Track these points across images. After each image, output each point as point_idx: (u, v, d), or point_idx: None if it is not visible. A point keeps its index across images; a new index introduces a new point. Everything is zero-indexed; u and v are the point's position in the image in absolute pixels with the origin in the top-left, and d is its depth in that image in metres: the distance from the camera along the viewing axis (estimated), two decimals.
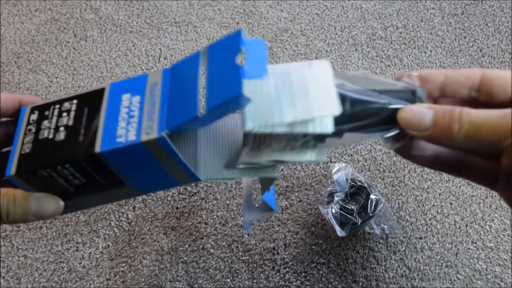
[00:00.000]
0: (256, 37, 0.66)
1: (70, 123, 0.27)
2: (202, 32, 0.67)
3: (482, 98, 0.28)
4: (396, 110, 0.27)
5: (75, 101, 0.28)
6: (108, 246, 0.52)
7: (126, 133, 0.26)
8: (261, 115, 0.25)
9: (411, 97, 0.27)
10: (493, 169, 0.29)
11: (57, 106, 0.29)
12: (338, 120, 0.26)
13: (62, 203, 0.29)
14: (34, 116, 0.29)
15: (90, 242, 0.52)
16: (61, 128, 0.27)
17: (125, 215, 0.53)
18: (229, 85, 0.23)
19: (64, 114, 0.28)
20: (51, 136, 0.27)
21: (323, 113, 0.25)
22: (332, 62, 0.64)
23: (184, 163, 0.27)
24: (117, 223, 0.53)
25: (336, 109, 0.25)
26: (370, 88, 0.28)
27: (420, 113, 0.26)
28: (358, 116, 0.27)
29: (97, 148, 0.25)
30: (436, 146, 0.30)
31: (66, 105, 0.28)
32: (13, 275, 0.51)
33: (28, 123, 0.29)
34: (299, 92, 0.26)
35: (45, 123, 0.28)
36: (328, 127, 0.26)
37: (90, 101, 0.28)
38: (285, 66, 0.27)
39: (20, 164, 0.27)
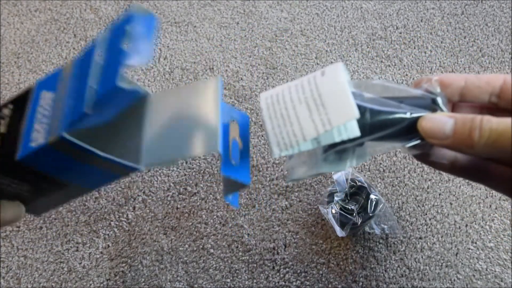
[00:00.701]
0: (256, 37, 0.66)
1: (2, 130, 0.26)
2: (202, 32, 0.67)
3: (502, 104, 0.28)
4: (416, 119, 0.27)
5: (10, 106, 0.27)
6: (108, 246, 0.52)
7: (38, 135, 0.24)
8: (284, 137, 0.26)
9: (431, 105, 0.27)
10: None
11: None
12: (360, 129, 0.26)
13: (23, 207, 0.29)
14: None
15: (90, 242, 0.52)
16: None
17: (125, 215, 0.53)
18: (107, 75, 0.22)
19: (1, 121, 0.27)
20: None
21: (341, 121, 0.25)
22: (332, 62, 0.64)
23: (106, 156, 0.25)
24: (117, 223, 0.53)
25: (354, 113, 0.25)
26: (389, 96, 0.27)
27: (441, 121, 0.26)
28: (378, 126, 0.27)
29: (16, 155, 0.24)
30: (455, 153, 0.30)
31: (5, 111, 0.27)
32: (13, 275, 0.51)
33: None
34: (315, 106, 0.26)
35: None
36: (354, 131, 0.25)
37: (20, 104, 0.27)
38: (300, 81, 0.27)
39: None
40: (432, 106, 0.27)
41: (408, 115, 0.27)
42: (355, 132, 0.25)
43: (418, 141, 0.27)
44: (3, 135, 0.26)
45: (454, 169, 0.31)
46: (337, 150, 0.27)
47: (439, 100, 0.27)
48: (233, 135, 0.30)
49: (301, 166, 0.28)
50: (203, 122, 0.27)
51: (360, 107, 0.26)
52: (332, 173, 0.49)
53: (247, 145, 0.30)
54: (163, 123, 0.29)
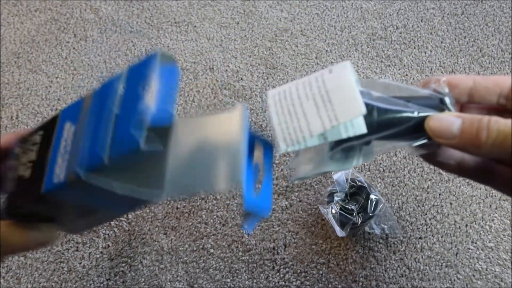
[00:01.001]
0: (256, 37, 0.66)
1: (33, 157, 0.26)
2: (202, 32, 0.67)
3: (511, 106, 0.28)
4: (424, 118, 0.27)
5: (40, 132, 0.27)
6: (108, 246, 0.52)
7: (59, 171, 0.24)
8: (291, 133, 0.26)
9: (439, 104, 0.27)
10: None
11: (30, 138, 0.28)
12: (367, 127, 0.26)
13: (55, 232, 0.29)
14: (17, 150, 0.28)
15: (90, 242, 0.52)
16: (29, 164, 0.27)
17: (125, 215, 0.53)
18: (129, 132, 0.21)
19: (33, 147, 0.27)
20: (22, 173, 0.27)
21: (348, 117, 0.25)
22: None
23: (125, 194, 0.25)
24: (117, 223, 0.53)
25: (361, 109, 0.25)
26: (396, 95, 0.27)
27: (448, 121, 0.26)
28: (385, 125, 0.27)
29: (42, 188, 0.24)
30: (461, 154, 0.30)
31: (36, 137, 0.27)
32: (13, 275, 0.51)
33: (12, 158, 0.28)
34: (322, 102, 0.26)
35: (22, 158, 0.27)
36: (361, 128, 0.25)
37: (47, 132, 0.27)
38: (307, 78, 0.27)
39: (9, 204, 0.27)
40: (440, 106, 0.27)
41: (415, 114, 0.27)
42: (362, 129, 0.25)
43: (425, 141, 0.27)
44: (34, 162, 0.27)
45: (461, 170, 0.31)
46: (344, 148, 0.27)
47: (447, 100, 0.27)
48: (256, 161, 0.29)
49: (307, 164, 0.28)
50: (226, 155, 0.26)
51: (367, 105, 0.26)
52: (332, 173, 0.49)
53: (270, 173, 0.29)
54: (187, 153, 0.28)
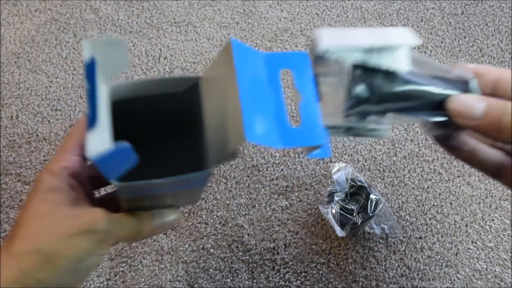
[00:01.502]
0: (256, 37, 0.66)
1: None
2: (202, 32, 0.67)
3: None
4: (446, 96, 0.27)
5: None
6: None
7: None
8: (337, 37, 0.26)
9: (465, 87, 0.27)
10: None
11: None
12: (384, 98, 0.26)
13: (178, 210, 0.33)
14: None
15: None
16: None
17: None
18: (315, 131, 0.24)
19: None
20: None
21: (401, 41, 0.25)
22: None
23: (169, 180, 0.26)
24: None
25: (414, 40, 0.25)
26: (424, 71, 0.27)
27: (472, 102, 0.26)
28: (407, 96, 0.26)
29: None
30: (475, 143, 0.30)
31: None
32: None
33: None
34: (376, 33, 0.26)
35: None
36: (402, 63, 0.25)
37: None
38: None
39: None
40: (465, 88, 0.27)
41: (439, 91, 0.27)
42: (403, 65, 0.26)
43: (443, 118, 0.27)
44: None
45: (471, 159, 0.31)
46: (360, 112, 0.27)
47: (473, 82, 0.27)
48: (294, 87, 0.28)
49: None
50: (230, 109, 0.26)
51: (393, 73, 0.26)
52: (332, 172, 0.49)
53: (312, 91, 0.27)
54: (212, 118, 0.28)
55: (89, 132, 0.24)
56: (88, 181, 0.33)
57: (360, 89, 0.26)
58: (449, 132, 0.29)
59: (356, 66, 0.26)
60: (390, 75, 0.26)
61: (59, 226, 0.28)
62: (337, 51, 0.26)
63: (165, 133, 0.33)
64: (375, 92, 0.26)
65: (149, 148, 0.32)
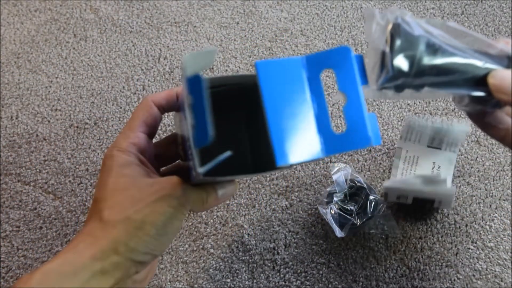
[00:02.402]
0: (256, 37, 0.66)
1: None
2: (202, 32, 0.67)
3: None
4: (487, 71, 0.26)
5: None
6: None
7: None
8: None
9: (507, 62, 0.26)
10: None
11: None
12: (426, 71, 0.25)
13: (236, 182, 0.35)
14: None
15: None
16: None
17: None
18: (362, 133, 0.24)
19: None
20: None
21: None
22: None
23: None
24: None
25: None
26: (464, 43, 0.26)
27: None
28: (448, 70, 0.26)
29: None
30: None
31: None
32: (13, 275, 0.51)
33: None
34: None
35: None
36: None
37: None
38: None
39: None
40: (507, 64, 0.26)
41: (481, 65, 0.26)
42: None
43: (482, 94, 0.26)
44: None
45: (507, 138, 0.30)
46: (396, 85, 0.26)
47: None
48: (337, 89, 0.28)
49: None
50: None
51: (433, 44, 0.25)
52: (332, 173, 0.49)
53: (356, 92, 0.26)
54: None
55: (200, 149, 0.25)
56: (155, 158, 0.34)
57: (400, 61, 0.25)
58: (485, 109, 0.28)
59: (395, 36, 0.25)
60: (431, 47, 0.25)
61: (142, 194, 0.30)
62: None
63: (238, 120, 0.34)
64: (415, 65, 0.25)
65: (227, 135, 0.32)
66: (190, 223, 0.53)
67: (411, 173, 0.50)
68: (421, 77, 0.26)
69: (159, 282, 0.50)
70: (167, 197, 0.30)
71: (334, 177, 0.49)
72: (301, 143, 0.24)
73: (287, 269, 0.50)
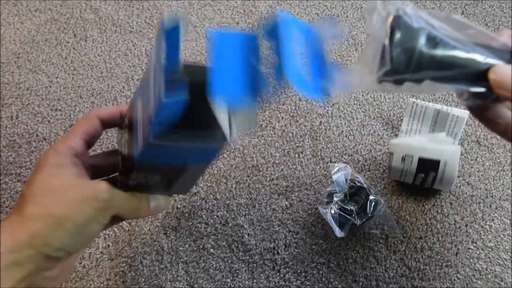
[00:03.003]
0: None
1: (127, 137, 0.35)
2: (202, 32, 0.67)
3: None
4: (488, 66, 0.25)
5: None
6: (108, 246, 0.52)
7: (139, 140, 0.30)
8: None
9: (509, 57, 0.26)
10: None
11: (124, 120, 0.36)
12: (426, 64, 0.25)
13: (169, 197, 0.38)
14: (118, 133, 0.38)
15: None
16: (125, 144, 0.35)
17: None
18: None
19: (125, 129, 0.36)
20: (123, 152, 0.35)
21: None
22: (331, 62, 0.64)
23: (194, 146, 0.29)
24: None
25: None
26: (466, 36, 0.26)
27: None
28: (448, 64, 0.25)
29: (134, 159, 0.31)
30: None
31: (126, 121, 0.37)
32: None
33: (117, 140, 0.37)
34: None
35: (121, 140, 0.37)
36: None
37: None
38: None
39: (120, 181, 0.37)
40: (509, 59, 0.26)
41: (482, 60, 0.25)
42: None
43: (482, 89, 0.26)
44: (127, 141, 0.32)
45: (507, 132, 0.29)
46: (396, 79, 0.26)
47: None
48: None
49: (357, 78, 0.27)
50: None
51: (435, 38, 0.24)
52: (332, 173, 0.49)
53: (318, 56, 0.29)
54: None
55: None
56: (90, 167, 0.36)
57: (399, 54, 0.25)
58: (486, 103, 0.28)
59: (395, 28, 0.25)
60: (432, 40, 0.25)
61: (68, 194, 0.31)
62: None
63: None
64: (415, 59, 0.25)
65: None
66: (190, 223, 0.53)
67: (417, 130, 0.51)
68: (420, 71, 0.25)
69: (159, 282, 0.50)
70: (92, 198, 0.31)
71: (334, 177, 0.49)
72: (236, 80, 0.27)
73: (287, 269, 0.50)
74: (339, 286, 0.49)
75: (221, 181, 0.55)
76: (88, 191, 0.32)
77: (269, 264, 0.50)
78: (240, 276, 0.50)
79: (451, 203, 0.52)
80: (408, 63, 0.25)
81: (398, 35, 0.25)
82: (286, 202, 0.53)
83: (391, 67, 0.25)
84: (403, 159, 0.48)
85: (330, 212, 0.48)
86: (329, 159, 0.56)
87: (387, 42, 0.25)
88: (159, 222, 0.53)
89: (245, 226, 0.52)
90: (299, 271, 0.50)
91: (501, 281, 0.48)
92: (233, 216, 0.53)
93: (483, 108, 0.29)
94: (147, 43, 0.66)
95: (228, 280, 0.50)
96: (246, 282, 0.50)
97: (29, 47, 0.67)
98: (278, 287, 0.49)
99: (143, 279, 0.50)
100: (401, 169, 0.49)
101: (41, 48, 0.67)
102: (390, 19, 0.25)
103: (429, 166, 0.47)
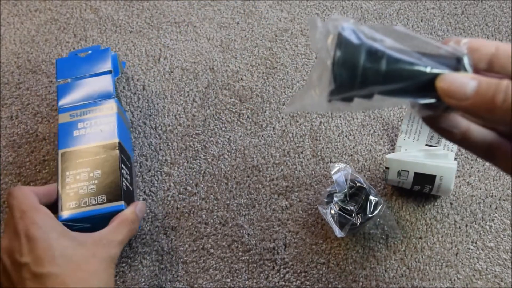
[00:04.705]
0: (256, 37, 0.66)
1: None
2: (202, 32, 0.67)
3: None
4: (436, 75, 0.25)
5: None
6: None
7: None
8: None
9: (456, 64, 0.25)
10: None
11: None
12: (371, 80, 0.24)
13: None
14: None
15: None
16: None
17: None
18: None
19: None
20: None
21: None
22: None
23: None
24: None
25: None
26: (411, 47, 0.26)
27: (462, 81, 0.24)
28: (393, 77, 0.25)
29: None
30: (467, 124, 0.28)
31: None
32: None
33: None
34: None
35: None
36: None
37: None
38: None
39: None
40: (456, 66, 0.25)
41: (428, 70, 0.25)
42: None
43: (432, 100, 0.25)
44: None
45: (464, 141, 0.29)
46: (344, 97, 0.25)
47: (465, 60, 0.25)
48: None
49: (307, 98, 0.27)
50: None
51: (377, 51, 0.24)
52: (332, 173, 0.49)
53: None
54: None
55: None
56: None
57: (342, 72, 0.25)
58: (437, 113, 0.27)
59: (336, 47, 0.24)
60: (374, 54, 0.24)
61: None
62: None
63: None
64: (358, 75, 0.24)
65: None
66: (190, 223, 0.53)
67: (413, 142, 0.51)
68: (366, 86, 0.25)
69: (159, 282, 0.50)
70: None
71: (334, 177, 0.49)
72: None
73: (287, 269, 0.50)
74: (339, 286, 0.49)
75: (222, 181, 0.55)
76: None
77: (269, 264, 0.50)
78: (240, 276, 0.50)
79: (451, 203, 0.52)
80: (352, 80, 0.25)
81: (338, 54, 0.25)
82: (286, 202, 0.53)
83: (335, 86, 0.25)
84: (399, 173, 0.48)
85: (330, 212, 0.48)
86: (329, 159, 0.56)
87: (329, 62, 0.25)
88: (159, 222, 0.53)
89: (245, 226, 0.52)
90: (299, 271, 0.50)
91: (501, 281, 0.48)
92: (233, 216, 0.53)
93: (436, 119, 0.28)
94: (147, 43, 0.66)
95: (228, 280, 0.50)
96: (246, 282, 0.50)
97: (29, 47, 0.67)
98: (278, 287, 0.49)
99: (143, 279, 0.50)
100: (397, 181, 0.50)
101: (41, 48, 0.67)
102: (331, 38, 0.25)
103: (425, 180, 0.48)
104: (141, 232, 0.52)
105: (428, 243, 0.50)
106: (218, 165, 0.56)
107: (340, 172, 0.49)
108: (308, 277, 0.50)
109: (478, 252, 0.50)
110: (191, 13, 0.69)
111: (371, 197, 0.48)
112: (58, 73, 0.56)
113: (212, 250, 0.51)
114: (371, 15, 0.68)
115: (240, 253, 0.51)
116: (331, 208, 0.48)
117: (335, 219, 0.47)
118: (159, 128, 0.59)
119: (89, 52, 0.58)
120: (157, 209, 0.54)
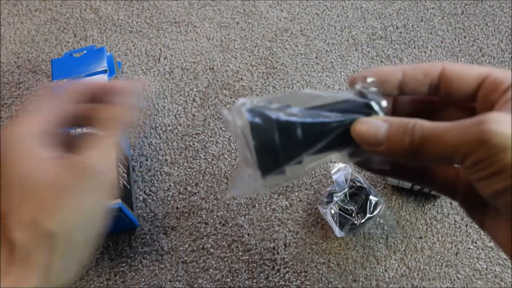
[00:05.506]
0: (256, 37, 0.66)
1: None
2: (202, 32, 0.67)
3: (442, 96, 0.26)
4: (350, 124, 0.25)
5: None
6: (108, 246, 0.52)
7: None
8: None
9: (366, 109, 0.25)
10: (453, 179, 0.27)
11: None
12: (293, 151, 0.25)
13: None
14: None
15: None
16: None
17: None
18: None
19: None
20: None
21: None
22: (332, 62, 0.64)
23: None
24: None
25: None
26: (320, 105, 0.26)
27: (374, 126, 0.24)
28: (313, 140, 0.25)
29: None
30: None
31: None
32: None
33: None
34: None
35: None
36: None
37: None
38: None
39: None
40: (367, 110, 0.25)
41: (342, 120, 0.25)
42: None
43: (353, 149, 0.26)
44: None
45: (398, 173, 0.29)
46: (277, 172, 0.26)
47: (373, 104, 0.25)
48: None
49: (243, 186, 0.27)
50: None
51: (289, 124, 0.24)
52: (332, 172, 0.49)
53: None
54: None
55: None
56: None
57: (263, 159, 0.25)
58: (363, 158, 0.27)
59: (248, 135, 0.25)
60: (286, 129, 0.24)
61: None
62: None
63: None
64: (279, 153, 0.25)
65: None
66: (190, 223, 0.53)
67: None
68: (291, 159, 0.25)
69: (159, 282, 0.50)
70: None
71: (334, 177, 0.49)
72: None
73: (287, 269, 0.50)
74: (339, 286, 0.49)
75: (222, 181, 0.55)
76: None
77: (269, 264, 0.50)
78: (240, 276, 0.50)
79: (451, 203, 0.52)
80: (276, 159, 0.25)
81: (254, 142, 0.25)
82: (286, 202, 0.53)
83: (262, 170, 0.25)
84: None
85: (330, 212, 0.48)
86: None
87: (248, 154, 0.25)
88: (159, 222, 0.53)
89: (245, 226, 0.52)
90: (299, 271, 0.50)
91: (501, 281, 0.48)
92: (233, 216, 0.53)
93: (367, 162, 0.28)
94: (147, 43, 0.66)
95: (228, 280, 0.50)
96: (246, 282, 0.50)
97: (29, 47, 0.67)
98: (278, 287, 0.49)
99: (143, 279, 0.50)
100: (397, 181, 0.50)
101: (41, 48, 0.67)
102: (240, 128, 0.25)
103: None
104: (141, 232, 0.52)
105: (428, 243, 0.50)
106: (218, 165, 0.56)
107: (340, 172, 0.49)
108: (308, 277, 0.50)
109: (478, 252, 0.50)
110: (191, 13, 0.69)
111: (371, 197, 0.48)
112: (54, 73, 0.56)
113: (212, 250, 0.51)
114: (371, 15, 0.68)
115: (240, 253, 0.51)
116: (331, 208, 0.48)
117: (335, 219, 0.47)
118: (159, 128, 0.59)
119: (84, 52, 0.59)
120: (157, 208, 0.54)
